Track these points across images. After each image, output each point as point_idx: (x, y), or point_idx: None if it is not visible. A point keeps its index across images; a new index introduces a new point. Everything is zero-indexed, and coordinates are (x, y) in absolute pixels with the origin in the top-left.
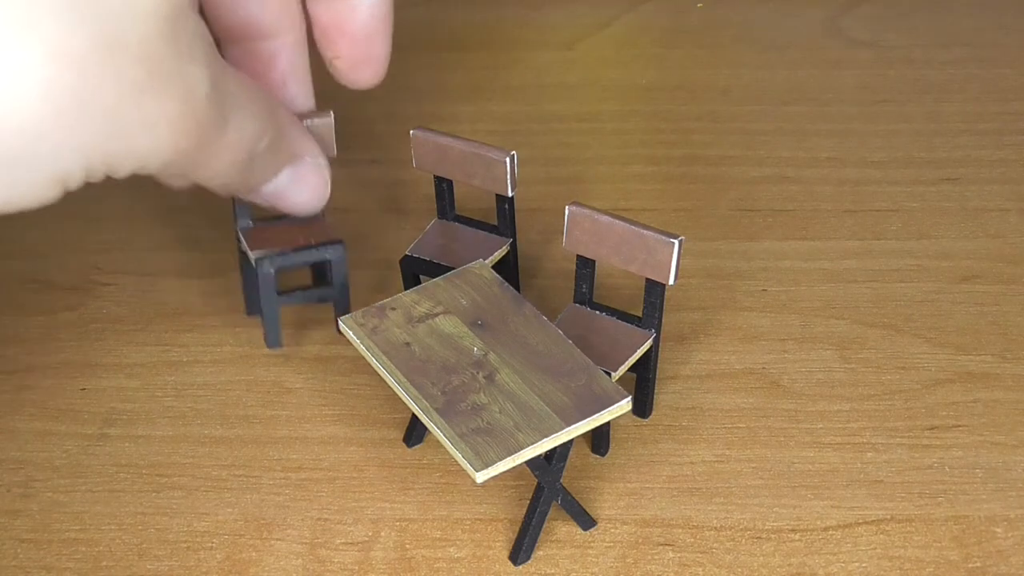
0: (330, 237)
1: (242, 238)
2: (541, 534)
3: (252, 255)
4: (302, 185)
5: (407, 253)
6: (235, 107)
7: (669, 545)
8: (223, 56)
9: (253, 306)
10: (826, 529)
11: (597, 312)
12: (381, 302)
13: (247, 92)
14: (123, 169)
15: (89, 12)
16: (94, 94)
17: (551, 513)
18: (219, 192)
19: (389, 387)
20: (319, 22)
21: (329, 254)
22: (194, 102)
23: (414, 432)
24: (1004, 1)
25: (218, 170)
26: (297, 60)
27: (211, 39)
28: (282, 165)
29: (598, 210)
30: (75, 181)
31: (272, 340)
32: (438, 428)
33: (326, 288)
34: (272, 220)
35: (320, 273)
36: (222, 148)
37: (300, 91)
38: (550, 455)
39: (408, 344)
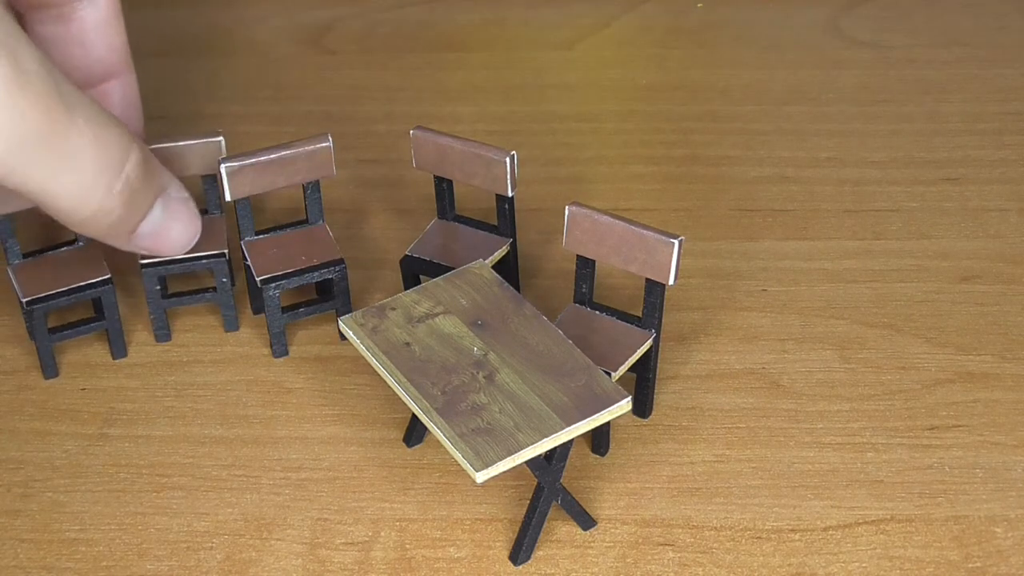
0: (332, 255)
1: (247, 254)
2: (541, 534)
3: (258, 279)
4: (175, 220)
5: (407, 253)
6: (80, 104)
7: (669, 545)
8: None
9: (259, 306)
10: (826, 529)
11: (597, 312)
12: (381, 302)
13: (94, 103)
14: None
15: None
16: None
17: (551, 513)
18: (104, 237)
19: (389, 387)
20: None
21: (331, 273)
22: (23, 68)
23: (414, 432)
24: (1004, 1)
25: (88, 187)
26: (106, 18)
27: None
28: (154, 196)
29: (598, 210)
30: None
31: (279, 351)
32: (438, 428)
33: (328, 302)
34: (274, 231)
35: (323, 285)
36: (80, 147)
37: (111, 48)
38: (550, 455)
39: (408, 344)
